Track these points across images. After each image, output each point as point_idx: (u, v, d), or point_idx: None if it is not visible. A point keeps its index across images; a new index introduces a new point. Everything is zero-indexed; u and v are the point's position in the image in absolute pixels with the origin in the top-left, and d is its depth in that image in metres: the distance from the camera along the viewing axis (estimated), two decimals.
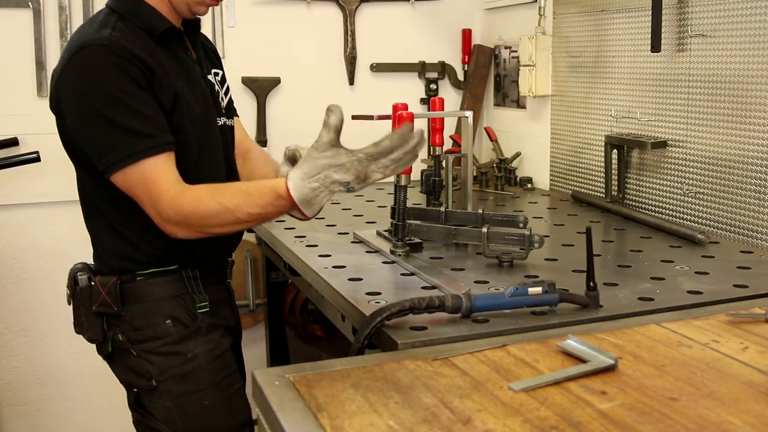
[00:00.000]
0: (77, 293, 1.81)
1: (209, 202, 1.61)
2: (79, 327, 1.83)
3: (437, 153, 2.36)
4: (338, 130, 1.53)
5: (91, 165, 1.69)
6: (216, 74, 1.95)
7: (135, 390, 1.82)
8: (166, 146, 1.65)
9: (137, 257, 1.78)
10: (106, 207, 1.77)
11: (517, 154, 3.26)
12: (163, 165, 1.63)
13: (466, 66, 3.60)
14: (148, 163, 1.61)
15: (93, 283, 1.79)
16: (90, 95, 1.63)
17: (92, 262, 1.86)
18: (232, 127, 1.98)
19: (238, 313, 2.05)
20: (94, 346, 1.86)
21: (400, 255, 2.03)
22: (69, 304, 1.86)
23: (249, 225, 1.68)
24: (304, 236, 2.33)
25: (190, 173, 1.71)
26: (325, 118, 1.53)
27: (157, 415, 1.79)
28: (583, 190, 2.89)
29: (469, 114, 2.30)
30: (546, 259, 2.04)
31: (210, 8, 1.87)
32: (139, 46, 1.67)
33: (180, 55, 1.80)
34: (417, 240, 2.12)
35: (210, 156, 1.83)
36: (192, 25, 1.89)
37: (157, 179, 1.62)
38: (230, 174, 1.92)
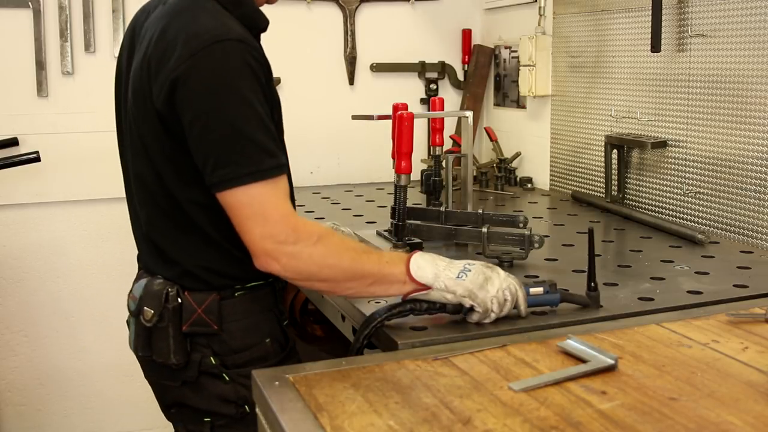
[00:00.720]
0: (167, 312, 1.56)
1: (344, 255, 1.47)
2: (157, 350, 1.59)
3: (437, 153, 2.37)
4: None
5: (196, 176, 1.48)
6: None
7: (209, 419, 1.63)
8: (286, 167, 1.50)
9: (241, 272, 1.60)
10: (206, 220, 1.56)
11: (517, 154, 3.26)
12: (285, 187, 1.46)
13: (466, 66, 3.60)
14: (268, 184, 1.42)
15: (180, 300, 1.57)
16: (223, 97, 1.42)
17: (161, 275, 1.63)
18: None
19: None
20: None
21: None
22: (148, 323, 1.58)
23: (350, 295, 1.55)
24: None
25: None
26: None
27: None
28: (583, 190, 2.89)
29: (469, 114, 2.30)
30: (546, 259, 2.04)
31: None
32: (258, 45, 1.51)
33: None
34: (417, 240, 2.12)
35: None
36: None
37: (276, 202, 1.43)
38: None
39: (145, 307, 1.58)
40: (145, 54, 1.51)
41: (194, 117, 1.43)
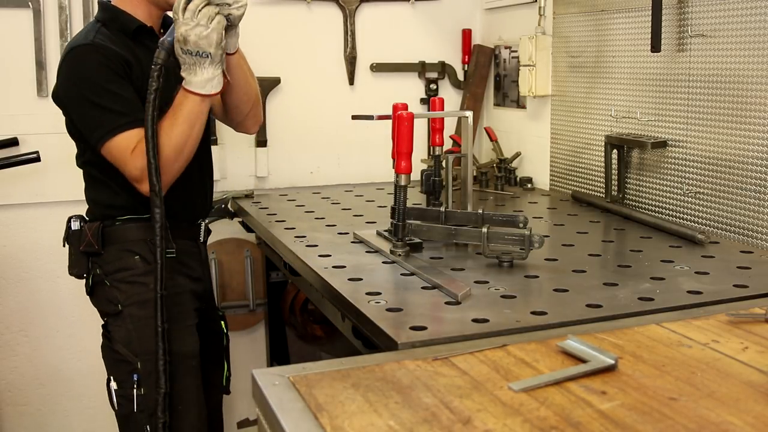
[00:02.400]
0: (70, 236, 2.18)
1: (172, 135, 1.97)
2: (70, 267, 2.20)
3: (437, 153, 2.37)
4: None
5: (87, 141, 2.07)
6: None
7: (105, 318, 2.18)
8: (141, 122, 1.95)
9: (117, 206, 2.14)
10: (96, 167, 2.13)
11: (517, 154, 3.26)
12: (136, 136, 1.97)
13: (466, 66, 3.60)
14: (124, 135, 1.97)
15: (82, 227, 2.16)
16: (82, 86, 2.01)
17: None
18: None
19: (210, 276, 2.46)
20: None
21: (400, 255, 2.03)
22: (63, 246, 2.22)
23: (189, 140, 1.99)
24: (304, 236, 2.33)
25: None
26: None
27: (118, 338, 2.12)
28: (583, 190, 2.89)
29: (469, 114, 2.30)
30: (546, 259, 2.04)
31: None
32: (118, 44, 2.05)
33: (153, 50, 2.03)
34: (417, 240, 2.12)
35: None
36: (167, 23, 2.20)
37: (128, 147, 1.97)
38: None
39: (64, 233, 2.21)
40: None
41: (70, 103, 2.06)
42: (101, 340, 2.20)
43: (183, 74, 1.94)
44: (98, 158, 2.07)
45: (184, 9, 1.89)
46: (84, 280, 2.21)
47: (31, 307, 3.18)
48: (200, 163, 2.22)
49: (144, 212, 2.08)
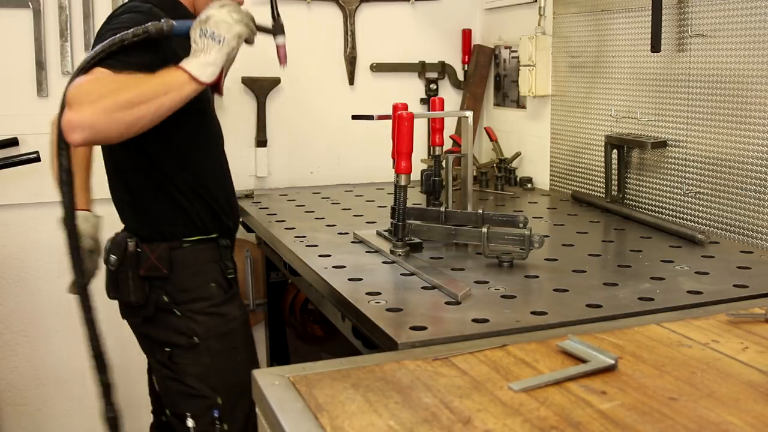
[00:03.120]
0: (126, 258, 1.95)
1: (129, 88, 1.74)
2: (120, 291, 1.97)
3: (437, 153, 2.37)
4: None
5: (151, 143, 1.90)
6: None
7: (168, 349, 2.00)
8: (128, 66, 1.78)
9: (186, 226, 1.99)
10: (160, 172, 1.96)
11: (517, 154, 3.26)
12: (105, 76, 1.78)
13: (466, 66, 3.60)
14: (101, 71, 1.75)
15: (140, 249, 1.96)
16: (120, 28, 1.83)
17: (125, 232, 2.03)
18: None
19: None
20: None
21: (400, 255, 2.03)
22: (112, 268, 1.98)
23: (142, 108, 1.73)
24: (304, 236, 2.33)
25: None
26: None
27: (192, 372, 1.98)
28: (583, 190, 2.89)
29: (469, 114, 2.30)
30: (546, 259, 2.04)
31: None
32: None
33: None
34: (417, 240, 2.12)
35: None
36: None
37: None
38: None
39: (111, 255, 1.97)
40: None
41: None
42: (152, 369, 2.08)
43: (185, 59, 1.79)
44: (165, 159, 1.95)
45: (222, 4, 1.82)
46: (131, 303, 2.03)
47: (31, 307, 3.18)
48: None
49: (214, 230, 2.02)
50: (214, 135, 2.14)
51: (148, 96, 1.70)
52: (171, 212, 2.00)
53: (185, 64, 1.77)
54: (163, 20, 1.79)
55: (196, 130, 2.05)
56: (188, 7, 2.06)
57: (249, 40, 1.90)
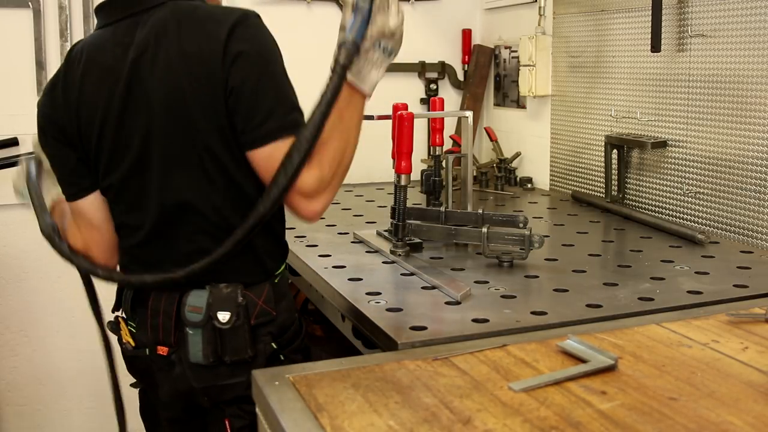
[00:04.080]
0: (242, 310, 1.60)
1: (333, 146, 1.54)
2: (232, 350, 1.61)
3: (437, 153, 2.37)
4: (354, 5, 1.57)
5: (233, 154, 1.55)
6: None
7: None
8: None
9: (277, 260, 1.71)
10: (252, 178, 1.59)
11: (517, 154, 3.26)
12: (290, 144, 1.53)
13: (466, 66, 3.60)
14: (290, 140, 1.50)
15: (246, 295, 1.62)
16: (272, 56, 1.61)
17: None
18: None
19: None
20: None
21: (400, 255, 2.03)
22: (226, 325, 1.59)
23: (353, 141, 1.61)
24: (304, 236, 2.33)
25: None
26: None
27: None
28: (583, 190, 2.89)
29: (469, 114, 2.30)
30: (546, 259, 2.04)
31: None
32: None
33: None
34: (417, 240, 2.12)
35: None
36: None
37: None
38: None
39: (219, 312, 1.59)
40: (167, 68, 1.55)
41: (248, 72, 1.54)
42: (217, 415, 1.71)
43: (355, 73, 1.60)
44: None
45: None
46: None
47: (31, 307, 3.18)
48: None
49: (287, 252, 1.74)
50: None
51: (354, 145, 1.60)
52: (274, 246, 1.72)
53: (363, 84, 1.59)
54: (348, 44, 1.57)
55: None
56: None
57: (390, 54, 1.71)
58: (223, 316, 1.59)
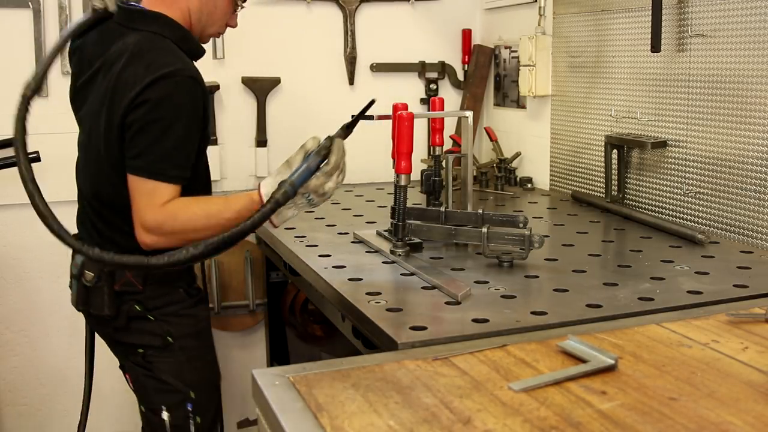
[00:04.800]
0: (103, 275, 1.98)
1: (193, 209, 1.85)
2: (90, 305, 2.02)
3: (437, 153, 2.37)
4: (308, 153, 1.79)
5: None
6: None
7: (142, 350, 2.05)
8: (184, 181, 1.87)
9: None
10: (125, 199, 1.92)
11: (517, 154, 3.26)
12: (174, 193, 1.85)
13: (466, 66, 3.60)
14: (170, 187, 1.84)
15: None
16: (171, 113, 1.85)
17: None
18: None
19: None
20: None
21: (400, 255, 2.03)
22: (88, 284, 2.00)
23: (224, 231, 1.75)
24: (304, 236, 2.33)
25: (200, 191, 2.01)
26: (304, 143, 1.82)
27: (166, 369, 2.05)
28: (583, 190, 2.89)
29: (469, 114, 2.30)
30: (546, 259, 2.04)
31: None
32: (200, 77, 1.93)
33: None
34: (417, 240, 2.12)
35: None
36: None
37: (162, 197, 1.83)
38: None
39: (86, 271, 2.00)
40: (108, 84, 1.90)
41: (145, 120, 1.83)
42: (124, 368, 2.17)
43: (275, 208, 1.74)
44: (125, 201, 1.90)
45: (338, 167, 1.79)
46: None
47: (31, 307, 3.18)
48: None
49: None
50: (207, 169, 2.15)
51: (220, 233, 1.73)
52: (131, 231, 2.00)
53: (276, 216, 1.79)
54: (287, 184, 1.71)
55: (205, 167, 2.10)
56: (186, 27, 2.00)
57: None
58: (88, 276, 2.00)
